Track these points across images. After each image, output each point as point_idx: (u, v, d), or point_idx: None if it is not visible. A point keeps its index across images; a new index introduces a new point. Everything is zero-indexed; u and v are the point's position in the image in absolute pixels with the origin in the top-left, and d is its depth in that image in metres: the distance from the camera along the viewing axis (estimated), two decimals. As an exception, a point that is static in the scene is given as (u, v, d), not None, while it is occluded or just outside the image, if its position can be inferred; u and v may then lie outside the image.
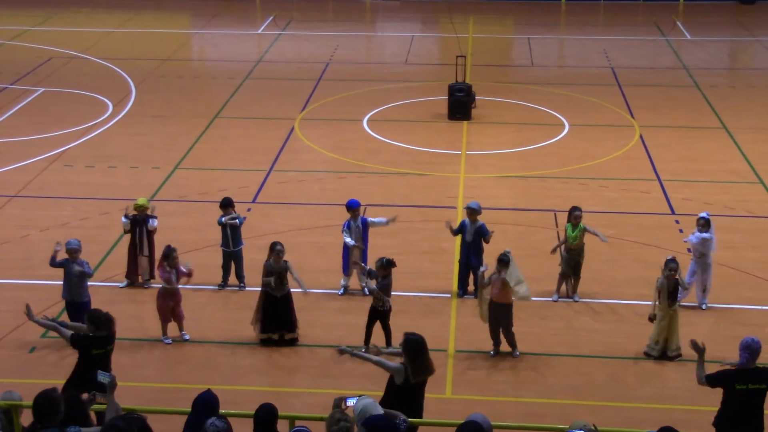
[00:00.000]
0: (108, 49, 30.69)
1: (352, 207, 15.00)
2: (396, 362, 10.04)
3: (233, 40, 32.29)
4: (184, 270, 13.58)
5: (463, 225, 14.97)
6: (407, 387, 9.88)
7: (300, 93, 26.13)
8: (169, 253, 13.53)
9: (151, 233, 15.19)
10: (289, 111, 24.56)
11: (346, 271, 15.14)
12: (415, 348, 9.86)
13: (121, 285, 15.33)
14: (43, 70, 28.29)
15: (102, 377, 9.24)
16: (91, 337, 10.79)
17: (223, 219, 15.07)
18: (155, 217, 15.20)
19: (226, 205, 15.20)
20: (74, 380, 10.74)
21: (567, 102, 25.52)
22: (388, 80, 27.62)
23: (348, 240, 14.89)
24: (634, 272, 15.75)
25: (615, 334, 14.07)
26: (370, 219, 15.13)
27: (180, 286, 13.82)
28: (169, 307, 13.61)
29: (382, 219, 15.22)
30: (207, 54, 32.01)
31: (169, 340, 13.71)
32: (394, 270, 13.27)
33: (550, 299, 15.03)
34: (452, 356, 13.42)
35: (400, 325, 13.37)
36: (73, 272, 13.34)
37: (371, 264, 13.87)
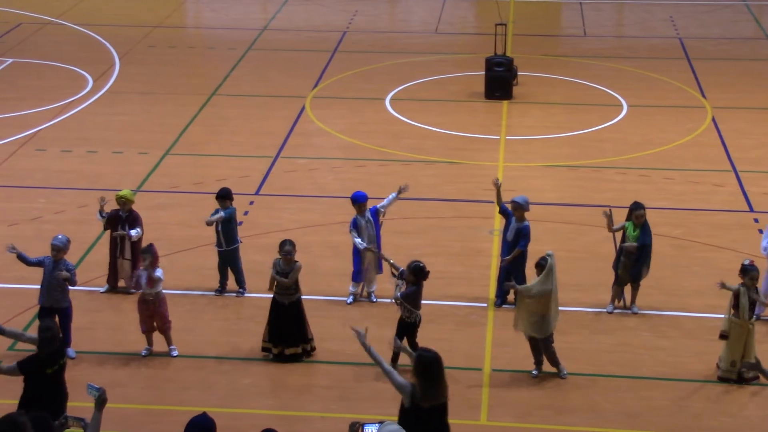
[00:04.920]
0: (88, 14, 30.82)
1: (358, 201, 14.94)
2: (407, 379, 10.03)
3: (234, 4, 32.36)
4: (158, 274, 13.55)
5: (509, 219, 14.88)
6: (418, 411, 9.84)
7: (312, 67, 26.14)
8: (141, 252, 13.58)
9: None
10: (299, 88, 24.58)
11: (357, 277, 15.14)
12: (427, 367, 9.80)
13: (101, 290, 15.39)
14: (12, 37, 28.45)
15: (91, 391, 9.31)
16: (42, 357, 10.85)
17: (208, 219, 15.02)
18: (136, 228, 15.15)
19: (224, 197, 15.19)
20: (28, 407, 10.78)
21: (626, 78, 25.40)
22: (415, 52, 27.59)
23: (358, 242, 14.88)
24: (704, 280, 15.65)
25: (681, 352, 14.00)
26: (379, 205, 15.07)
27: (166, 291, 13.82)
28: (147, 316, 13.65)
29: (391, 195, 15.13)
30: (204, 20, 32.08)
31: (144, 352, 13.76)
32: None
33: (605, 310, 14.97)
34: (488, 376, 13.40)
35: (427, 339, 13.35)
36: (54, 275, 13.36)
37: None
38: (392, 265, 13.65)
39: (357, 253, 14.97)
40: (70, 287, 13.46)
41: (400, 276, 13.30)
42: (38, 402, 10.65)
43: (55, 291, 13.35)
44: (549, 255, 13.03)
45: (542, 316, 13.00)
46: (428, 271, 13.16)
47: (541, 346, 13.20)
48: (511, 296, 14.99)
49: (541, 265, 12.97)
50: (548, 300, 12.96)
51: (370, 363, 13.29)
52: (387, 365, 10.11)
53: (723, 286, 13.19)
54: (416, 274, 13.09)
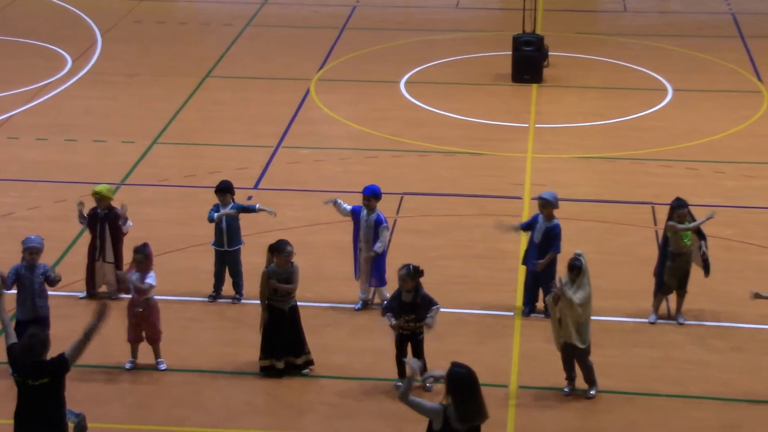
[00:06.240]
0: (67, -13, 30.91)
1: (364, 193, 14.91)
2: (435, 402, 10.01)
3: (230, -24, 32.41)
4: (142, 283, 13.51)
5: (534, 219, 14.86)
6: None
7: (317, 45, 26.14)
8: (134, 252, 13.59)
9: (120, 233, 15.20)
10: (303, 69, 24.58)
11: (357, 273, 15.18)
12: (462, 385, 9.80)
13: (80, 295, 15.41)
14: (-17, 13, 28.56)
15: (70, 417, 9.38)
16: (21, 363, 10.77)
17: (216, 214, 15.03)
18: (127, 219, 15.15)
19: (224, 190, 15.19)
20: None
21: (671, 59, 25.33)
22: (434, 30, 27.56)
23: (342, 204, 14.95)
24: (758, 286, 15.50)
25: (732, 368, 13.96)
26: (384, 230, 14.93)
27: (158, 297, 13.83)
28: (135, 324, 13.65)
29: (381, 244, 14.95)
30: (196, -7, 32.13)
31: (129, 365, 13.78)
32: (438, 279, 13.23)
33: (646, 321, 14.93)
34: (515, 394, 13.38)
35: (447, 351, 13.34)
36: (35, 280, 13.34)
37: (392, 274, 13.75)
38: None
39: (356, 246, 15.01)
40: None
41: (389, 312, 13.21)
42: (19, 412, 10.67)
43: (40, 298, 13.37)
44: (581, 255, 13.01)
45: (584, 323, 12.97)
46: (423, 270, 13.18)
47: (578, 360, 13.15)
48: (540, 304, 14.98)
49: (577, 266, 12.92)
50: (588, 304, 12.94)
51: (379, 378, 13.39)
52: (412, 399, 10.10)
53: (757, 296, 13.17)
54: (418, 275, 13.03)
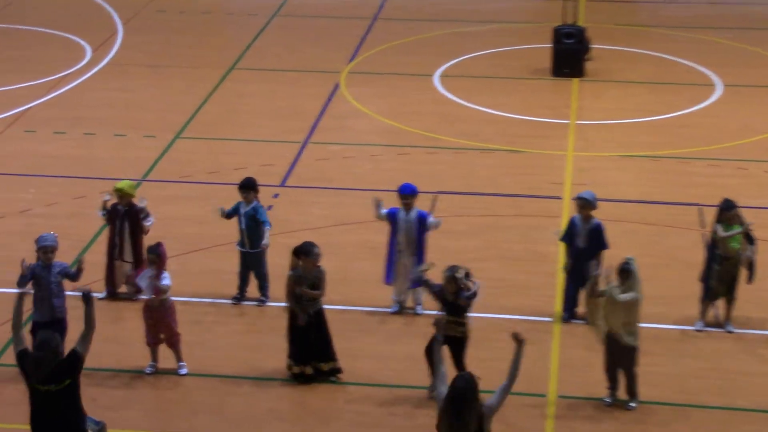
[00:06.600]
0: (87, -26, 31.05)
1: (402, 192, 14.94)
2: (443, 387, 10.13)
3: (257, -37, 32.49)
4: (164, 283, 13.51)
5: (572, 224, 14.85)
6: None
7: (348, 36, 26.14)
8: (147, 252, 13.61)
9: (140, 232, 15.25)
10: (332, 61, 24.59)
11: (390, 279, 15.14)
12: (452, 396, 9.78)
13: (99, 296, 15.46)
14: None
15: (90, 425, 9.41)
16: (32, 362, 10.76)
17: (220, 209, 15.14)
18: (149, 214, 15.21)
19: (247, 188, 15.22)
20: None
21: (719, 53, 25.20)
22: (470, 21, 27.51)
23: (380, 209, 14.87)
24: (812, 292, 15.53)
25: (784, 378, 13.88)
26: (432, 219, 15.01)
27: (174, 298, 13.84)
28: (152, 325, 13.67)
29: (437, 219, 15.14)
30: (221, -18, 32.22)
31: (149, 369, 13.82)
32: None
33: (693, 328, 14.85)
34: (553, 404, 13.32)
35: (484, 358, 13.32)
36: (52, 280, 13.38)
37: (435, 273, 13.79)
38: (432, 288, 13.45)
39: (393, 248, 14.95)
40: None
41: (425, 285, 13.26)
42: (36, 417, 10.70)
43: (57, 299, 13.40)
44: (632, 259, 12.97)
45: (633, 324, 12.89)
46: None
47: (625, 364, 13.03)
48: (581, 309, 14.92)
49: (627, 270, 12.86)
50: (635, 307, 12.85)
51: (410, 386, 13.36)
52: (439, 361, 10.40)
53: None
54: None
